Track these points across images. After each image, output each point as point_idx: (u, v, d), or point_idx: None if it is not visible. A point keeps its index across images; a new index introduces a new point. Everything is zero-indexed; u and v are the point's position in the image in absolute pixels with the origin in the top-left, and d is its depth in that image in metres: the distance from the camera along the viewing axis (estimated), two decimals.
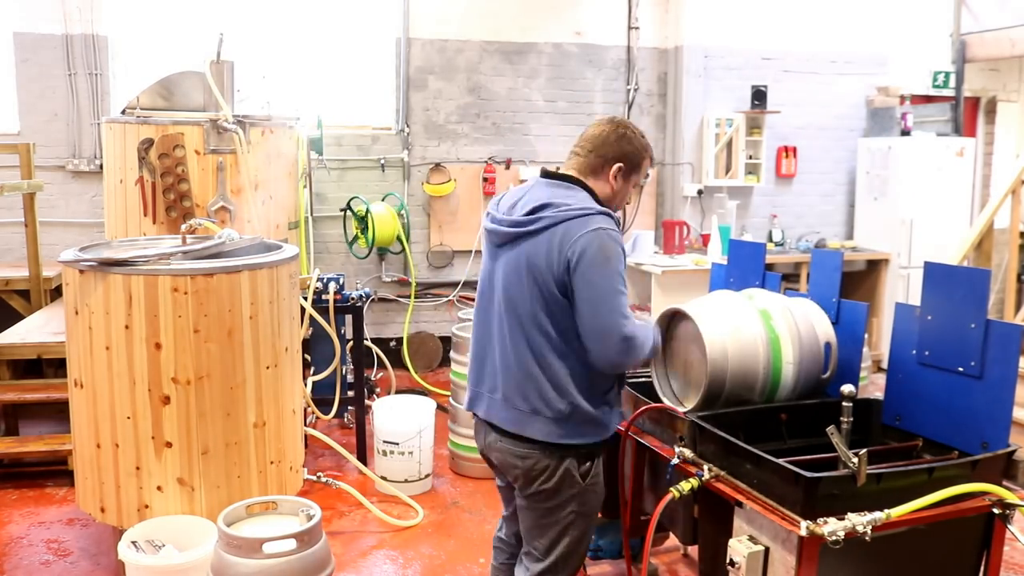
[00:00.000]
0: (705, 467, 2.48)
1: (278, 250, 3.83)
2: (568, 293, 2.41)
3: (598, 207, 2.47)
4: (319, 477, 4.16)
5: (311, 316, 4.71)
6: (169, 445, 3.40)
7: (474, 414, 2.70)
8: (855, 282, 7.46)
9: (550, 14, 7.18)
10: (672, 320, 2.89)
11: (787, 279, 6.42)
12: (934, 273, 2.64)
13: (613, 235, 2.41)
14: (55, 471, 4.68)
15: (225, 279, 3.42)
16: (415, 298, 7.02)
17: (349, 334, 5.21)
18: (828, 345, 2.83)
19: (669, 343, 2.92)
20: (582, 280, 2.37)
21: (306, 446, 4.67)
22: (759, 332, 2.73)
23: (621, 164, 2.53)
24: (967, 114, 8.06)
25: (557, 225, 2.41)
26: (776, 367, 2.74)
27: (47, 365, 5.14)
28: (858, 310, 2.93)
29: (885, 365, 2.93)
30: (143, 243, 4.09)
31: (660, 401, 2.87)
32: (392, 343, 6.98)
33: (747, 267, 3.39)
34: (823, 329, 2.85)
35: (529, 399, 2.47)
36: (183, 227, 3.80)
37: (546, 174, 2.60)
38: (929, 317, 2.62)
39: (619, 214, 2.63)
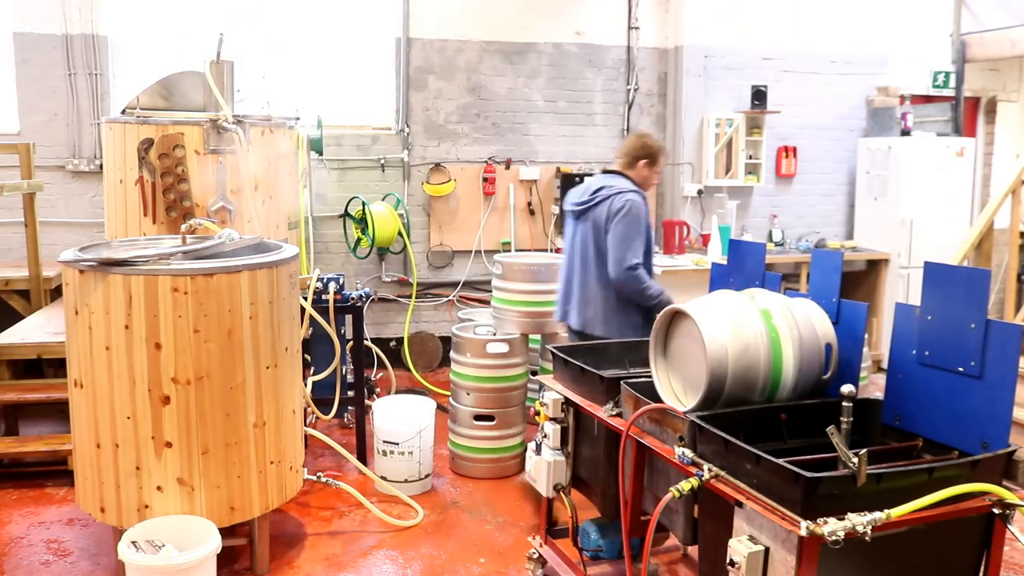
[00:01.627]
0: (705, 467, 2.48)
1: (278, 250, 3.83)
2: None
3: (632, 187, 4.18)
4: (319, 477, 4.16)
5: (311, 316, 4.72)
6: (169, 445, 3.40)
7: (566, 323, 4.38)
8: (855, 282, 7.46)
9: (550, 14, 7.18)
10: (672, 319, 2.89)
11: (787, 279, 6.40)
12: (934, 273, 2.63)
13: (639, 203, 4.12)
14: (55, 471, 4.68)
15: (225, 279, 3.42)
16: (414, 298, 7.03)
17: (349, 334, 5.21)
18: (829, 346, 2.83)
19: (669, 342, 2.92)
20: (613, 226, 4.07)
21: (306, 446, 4.67)
22: (760, 331, 2.73)
23: (645, 159, 4.26)
24: (967, 114, 8.07)
25: (608, 197, 4.14)
26: (776, 367, 2.73)
27: (47, 365, 5.14)
28: (858, 310, 2.93)
29: (885, 365, 2.92)
30: (143, 243, 4.09)
31: (660, 401, 2.87)
32: (392, 343, 6.98)
33: (747, 267, 3.39)
34: (824, 329, 2.85)
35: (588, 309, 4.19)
36: (183, 227, 3.80)
37: (604, 171, 4.40)
38: (929, 317, 2.62)
39: (649, 192, 4.32)
